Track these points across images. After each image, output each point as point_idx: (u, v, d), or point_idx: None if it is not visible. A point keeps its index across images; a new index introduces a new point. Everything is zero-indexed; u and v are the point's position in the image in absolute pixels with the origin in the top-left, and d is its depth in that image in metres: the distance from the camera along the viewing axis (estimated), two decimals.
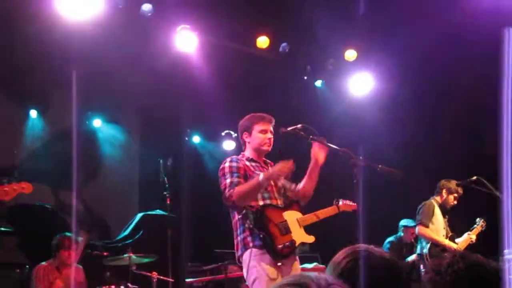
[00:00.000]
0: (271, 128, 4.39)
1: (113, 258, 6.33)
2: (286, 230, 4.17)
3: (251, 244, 4.11)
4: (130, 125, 9.32)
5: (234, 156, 4.38)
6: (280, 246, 4.07)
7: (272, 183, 4.31)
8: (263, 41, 7.52)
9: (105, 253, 6.87)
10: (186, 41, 6.87)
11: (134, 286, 5.98)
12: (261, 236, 4.07)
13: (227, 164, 4.26)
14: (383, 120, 7.42)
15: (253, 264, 4.06)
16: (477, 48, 6.35)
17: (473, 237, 6.45)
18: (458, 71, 7.18)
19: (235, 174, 4.18)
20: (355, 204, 4.88)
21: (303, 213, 4.40)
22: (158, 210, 8.33)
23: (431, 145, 7.90)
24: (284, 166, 4.13)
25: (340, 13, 6.51)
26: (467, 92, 7.31)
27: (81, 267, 6.09)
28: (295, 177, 4.48)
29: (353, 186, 4.10)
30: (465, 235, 6.44)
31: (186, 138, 9.50)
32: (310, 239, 4.38)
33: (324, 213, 4.59)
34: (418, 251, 6.50)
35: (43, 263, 5.89)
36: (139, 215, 8.63)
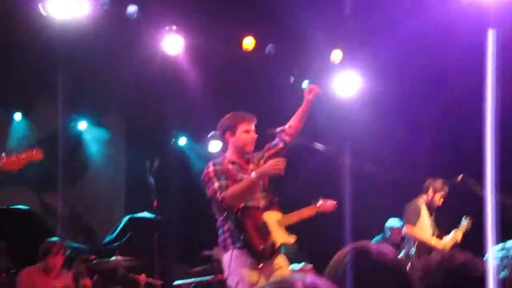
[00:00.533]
0: (253, 127, 4.31)
1: (100, 261, 6.29)
2: (267, 232, 4.15)
3: (231, 246, 4.10)
4: (116, 128, 9.29)
5: (216, 160, 4.29)
6: (261, 248, 4.06)
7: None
8: (249, 43, 7.51)
9: (92, 257, 6.83)
10: (172, 43, 6.84)
11: None
12: (241, 238, 4.05)
13: (211, 169, 4.16)
14: (370, 120, 7.45)
15: (234, 266, 4.03)
16: (463, 47, 6.40)
17: (459, 236, 6.49)
18: (444, 70, 7.24)
19: (222, 177, 4.10)
20: (335, 203, 4.94)
21: (284, 214, 4.39)
22: (145, 213, 8.30)
23: (417, 144, 7.94)
24: (277, 163, 4.05)
25: (326, 14, 6.52)
26: (453, 91, 7.37)
27: (68, 271, 6.02)
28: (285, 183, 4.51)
29: (340, 185, 4.13)
30: (452, 234, 6.47)
31: (173, 140, 9.47)
32: (291, 239, 4.37)
33: (304, 213, 4.62)
34: (405, 250, 6.53)
35: (28, 267, 5.80)
36: (126, 218, 8.59)
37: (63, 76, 7.76)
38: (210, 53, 7.35)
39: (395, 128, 7.77)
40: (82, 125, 8.77)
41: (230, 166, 4.21)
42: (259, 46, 7.55)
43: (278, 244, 4.19)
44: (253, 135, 4.29)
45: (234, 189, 4.03)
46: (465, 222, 6.58)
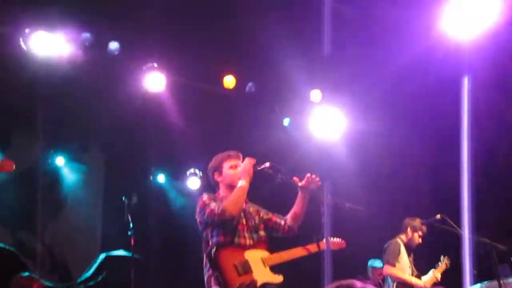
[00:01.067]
0: (241, 163, 4.38)
1: None
2: (246, 270, 4.08)
3: (212, 284, 4.07)
4: (94, 163, 9.20)
5: (210, 193, 4.37)
6: (236, 286, 3.99)
7: (244, 221, 4.29)
8: (229, 81, 7.59)
9: None
10: (153, 80, 6.88)
11: None
12: (215, 275, 4.02)
13: (205, 197, 4.26)
14: (350, 158, 7.52)
15: None
16: (441, 85, 6.55)
17: (438, 275, 6.49)
18: (424, 107, 7.37)
19: (217, 201, 4.21)
20: (343, 242, 4.84)
21: (271, 252, 4.33)
22: (121, 251, 8.17)
23: (397, 182, 8.01)
24: (248, 163, 4.26)
25: (305, 53, 6.64)
26: (434, 129, 7.49)
27: None
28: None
29: (321, 224, 4.12)
30: (430, 273, 6.48)
31: (151, 177, 9.41)
32: (277, 279, 4.25)
33: (297, 252, 4.45)
34: None
35: None
36: (102, 255, 8.44)
37: (42, 111, 7.72)
38: (191, 91, 7.40)
39: (375, 165, 7.85)
40: (60, 160, 8.67)
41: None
42: (239, 84, 7.63)
43: (259, 284, 4.10)
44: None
45: (229, 199, 4.15)
46: (443, 261, 6.61)
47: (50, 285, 7.53)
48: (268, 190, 4.57)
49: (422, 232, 6.48)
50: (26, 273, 5.83)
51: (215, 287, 4.04)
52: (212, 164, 4.48)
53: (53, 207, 8.66)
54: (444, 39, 5.57)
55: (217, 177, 4.44)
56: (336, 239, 4.77)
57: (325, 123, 7.61)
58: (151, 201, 9.26)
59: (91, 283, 7.83)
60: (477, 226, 5.47)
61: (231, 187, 4.33)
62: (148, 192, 9.17)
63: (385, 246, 6.40)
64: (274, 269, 4.27)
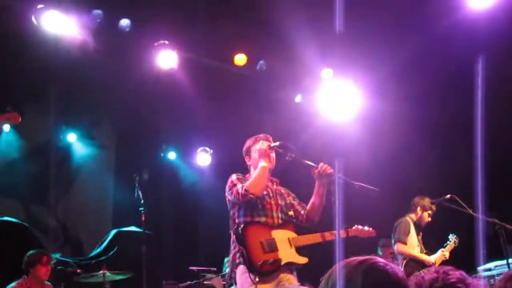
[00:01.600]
0: (276, 144, 4.41)
1: (87, 275, 6.23)
2: (271, 248, 4.14)
3: (237, 261, 4.15)
4: (105, 140, 9.25)
5: (239, 174, 4.45)
6: (259, 263, 4.03)
7: (272, 201, 4.36)
8: (240, 59, 7.57)
9: (78, 270, 6.76)
10: (164, 58, 6.88)
11: None
12: (240, 251, 4.08)
13: (234, 177, 4.36)
14: (361, 136, 7.49)
15: (240, 283, 4.10)
16: (457, 64, 6.49)
17: (447, 254, 6.52)
18: (437, 86, 7.32)
19: (243, 182, 4.30)
20: (373, 230, 4.85)
21: (299, 234, 4.36)
22: (132, 227, 8.25)
23: (408, 161, 7.99)
24: (262, 144, 4.35)
25: (317, 30, 6.58)
26: (447, 108, 7.45)
27: (50, 284, 5.92)
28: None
29: (331, 204, 4.13)
30: (439, 252, 6.51)
31: (162, 154, 9.46)
32: (302, 260, 4.29)
33: (325, 236, 4.40)
34: None
35: (13, 284, 5.62)
36: (113, 231, 8.53)
37: (55, 88, 7.76)
38: (202, 69, 7.39)
39: (387, 146, 7.82)
40: (72, 137, 8.72)
41: None
42: (250, 62, 7.60)
43: (283, 262, 4.16)
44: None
45: (250, 180, 4.25)
46: (452, 240, 6.62)
47: (62, 259, 7.64)
48: (279, 169, 4.58)
49: (432, 211, 6.50)
50: (41, 250, 5.89)
51: (239, 265, 4.11)
52: (243, 149, 4.57)
53: (65, 183, 8.74)
54: (462, 17, 5.51)
55: (247, 161, 4.52)
56: (366, 228, 4.79)
57: (336, 101, 7.58)
58: (162, 178, 9.32)
59: (103, 258, 7.93)
60: (487, 207, 5.46)
61: None
62: (159, 169, 9.22)
63: (395, 224, 6.43)
64: (300, 250, 4.31)
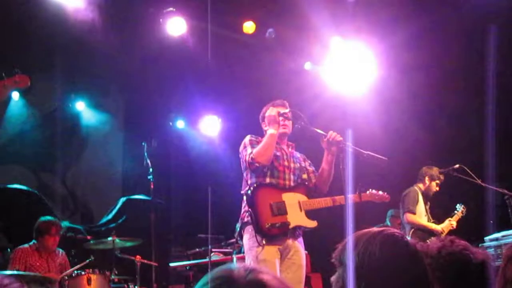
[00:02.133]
0: (285, 111, 4.40)
1: (97, 241, 6.30)
2: (280, 211, 4.15)
3: (245, 220, 4.19)
4: (114, 108, 9.26)
5: (253, 136, 4.45)
6: (266, 225, 4.06)
7: (286, 163, 4.36)
8: (249, 27, 7.49)
9: (88, 237, 6.85)
10: (173, 25, 6.81)
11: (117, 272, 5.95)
12: (249, 213, 4.11)
13: (247, 139, 4.37)
14: (370, 105, 7.43)
15: (248, 248, 4.14)
16: (470, 31, 6.40)
17: (454, 223, 6.53)
18: (450, 54, 7.22)
19: (254, 145, 4.30)
20: (387, 195, 4.83)
21: (309, 197, 4.36)
22: (141, 195, 8.32)
23: (416, 131, 7.94)
24: (272, 111, 4.34)
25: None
26: (457, 80, 7.37)
27: (62, 250, 6.01)
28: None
29: (340, 172, 4.13)
30: (446, 222, 6.52)
31: (171, 123, 9.46)
32: (311, 223, 4.29)
33: (336, 200, 4.39)
34: None
35: (24, 245, 5.74)
36: (122, 199, 8.61)
37: (63, 56, 7.73)
38: (211, 36, 7.32)
39: (396, 115, 7.76)
40: (80, 105, 8.72)
41: None
42: (259, 30, 7.52)
43: (291, 226, 4.17)
44: (281, 119, 4.39)
45: (258, 148, 4.23)
46: (459, 210, 6.63)
47: (72, 226, 7.73)
48: (289, 136, 4.58)
49: (440, 181, 6.50)
50: (51, 218, 5.94)
51: (247, 224, 4.15)
52: (260, 115, 4.56)
53: (74, 151, 8.79)
54: None
55: (263, 126, 4.50)
56: (380, 192, 4.76)
57: (347, 69, 7.49)
58: (171, 146, 9.34)
59: (112, 225, 8.02)
60: (496, 177, 5.45)
61: None
62: (168, 137, 9.23)
63: (403, 194, 6.43)
64: (310, 214, 4.31)
